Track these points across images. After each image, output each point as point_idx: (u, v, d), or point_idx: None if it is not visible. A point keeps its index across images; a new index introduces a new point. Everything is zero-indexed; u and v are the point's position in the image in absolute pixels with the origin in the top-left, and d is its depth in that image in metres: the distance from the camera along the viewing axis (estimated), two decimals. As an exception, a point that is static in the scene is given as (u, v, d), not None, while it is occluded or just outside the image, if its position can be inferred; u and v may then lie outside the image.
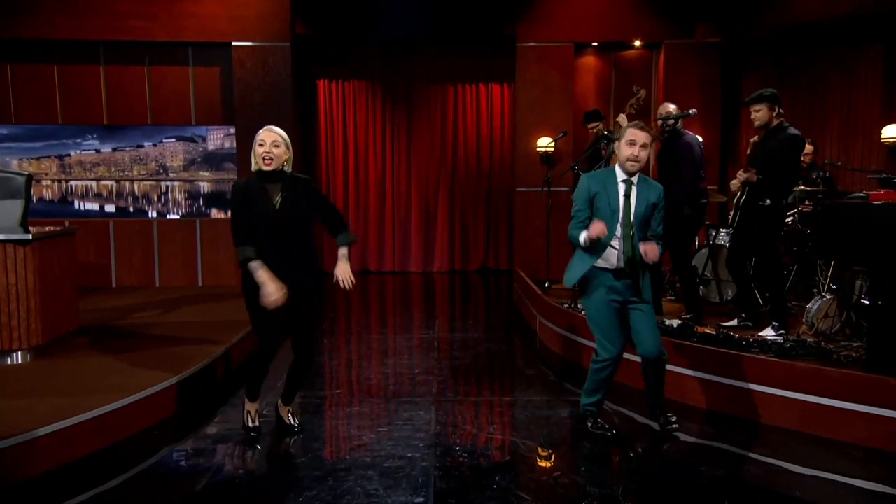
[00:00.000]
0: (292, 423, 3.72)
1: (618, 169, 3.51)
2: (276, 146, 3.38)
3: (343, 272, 3.46)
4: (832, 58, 6.78)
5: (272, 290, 3.25)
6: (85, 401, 3.54)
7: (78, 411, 3.39)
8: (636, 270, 3.48)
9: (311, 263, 3.53)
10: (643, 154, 3.41)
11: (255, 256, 3.30)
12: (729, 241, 5.25)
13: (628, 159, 3.42)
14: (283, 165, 3.43)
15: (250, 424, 3.67)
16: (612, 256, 3.47)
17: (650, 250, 3.37)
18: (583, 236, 3.43)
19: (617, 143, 3.51)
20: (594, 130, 6.74)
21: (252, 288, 3.35)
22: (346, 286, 3.45)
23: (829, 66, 6.82)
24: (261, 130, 3.43)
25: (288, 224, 3.39)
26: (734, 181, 4.77)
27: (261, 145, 3.37)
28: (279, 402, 3.80)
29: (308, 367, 3.74)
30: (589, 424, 3.66)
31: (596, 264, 3.48)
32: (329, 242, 9.31)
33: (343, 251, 3.51)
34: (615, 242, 3.46)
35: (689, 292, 5.18)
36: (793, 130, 4.52)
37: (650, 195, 3.48)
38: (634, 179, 3.47)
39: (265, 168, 3.37)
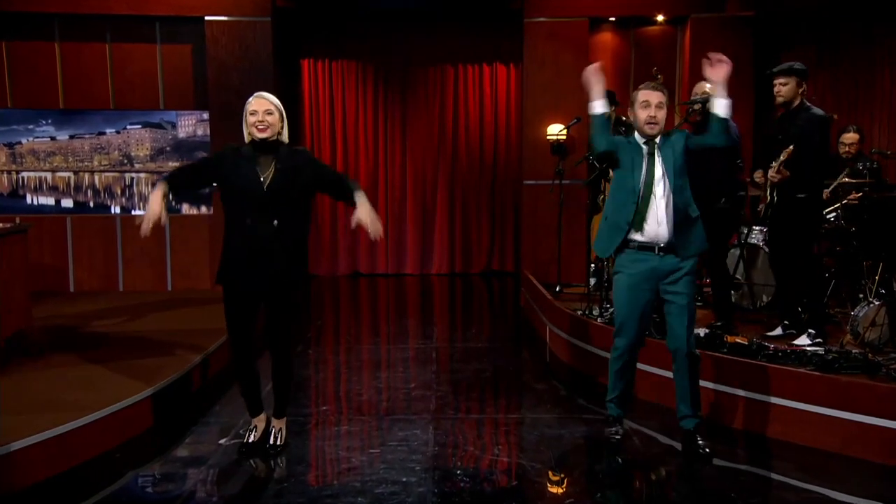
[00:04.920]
0: (273, 442, 3.71)
1: (637, 136, 3.64)
2: (270, 114, 3.43)
3: (364, 214, 3.47)
4: (884, 33, 6.75)
5: (149, 213, 3.40)
6: (37, 419, 3.52)
7: (29, 432, 3.37)
8: (677, 241, 3.53)
9: (299, 253, 3.54)
10: (661, 114, 3.55)
11: (165, 183, 3.52)
12: (767, 240, 5.22)
13: (646, 122, 3.55)
14: (278, 135, 3.48)
15: (250, 440, 3.72)
16: (652, 231, 3.52)
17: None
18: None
19: (630, 111, 3.66)
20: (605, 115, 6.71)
21: (228, 276, 3.46)
22: (373, 233, 3.46)
23: (880, 43, 6.79)
24: (251, 99, 3.48)
25: (278, 203, 3.42)
26: (760, 177, 4.78)
27: (252, 114, 3.42)
28: (272, 415, 3.81)
29: (287, 366, 3.70)
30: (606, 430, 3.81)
31: (633, 237, 3.56)
32: (323, 242, 9.31)
33: (360, 197, 3.56)
34: (651, 215, 3.52)
35: (721, 297, 5.16)
36: (818, 110, 4.53)
37: (676, 143, 3.58)
38: (658, 140, 3.58)
39: (259, 136, 3.41)
